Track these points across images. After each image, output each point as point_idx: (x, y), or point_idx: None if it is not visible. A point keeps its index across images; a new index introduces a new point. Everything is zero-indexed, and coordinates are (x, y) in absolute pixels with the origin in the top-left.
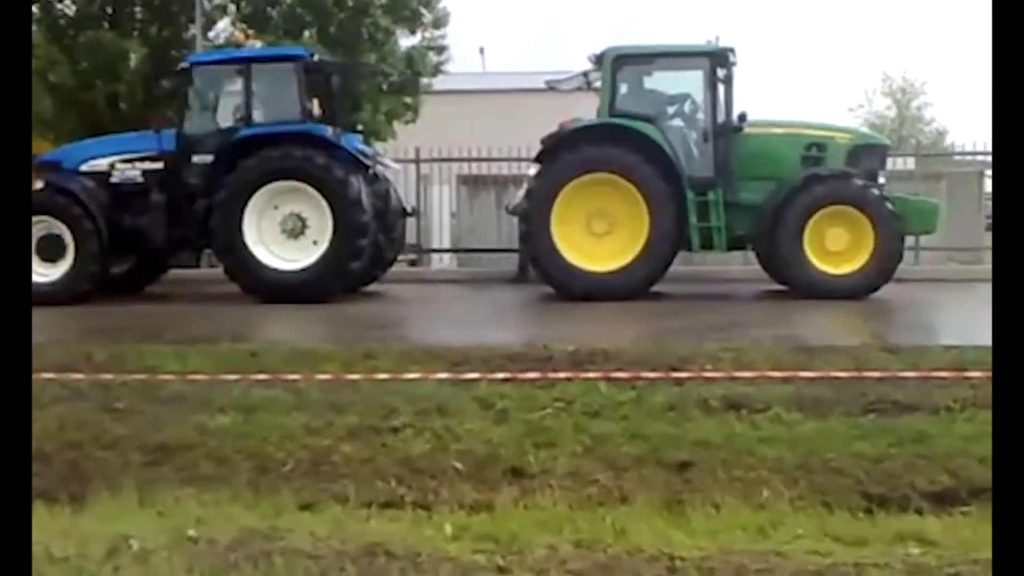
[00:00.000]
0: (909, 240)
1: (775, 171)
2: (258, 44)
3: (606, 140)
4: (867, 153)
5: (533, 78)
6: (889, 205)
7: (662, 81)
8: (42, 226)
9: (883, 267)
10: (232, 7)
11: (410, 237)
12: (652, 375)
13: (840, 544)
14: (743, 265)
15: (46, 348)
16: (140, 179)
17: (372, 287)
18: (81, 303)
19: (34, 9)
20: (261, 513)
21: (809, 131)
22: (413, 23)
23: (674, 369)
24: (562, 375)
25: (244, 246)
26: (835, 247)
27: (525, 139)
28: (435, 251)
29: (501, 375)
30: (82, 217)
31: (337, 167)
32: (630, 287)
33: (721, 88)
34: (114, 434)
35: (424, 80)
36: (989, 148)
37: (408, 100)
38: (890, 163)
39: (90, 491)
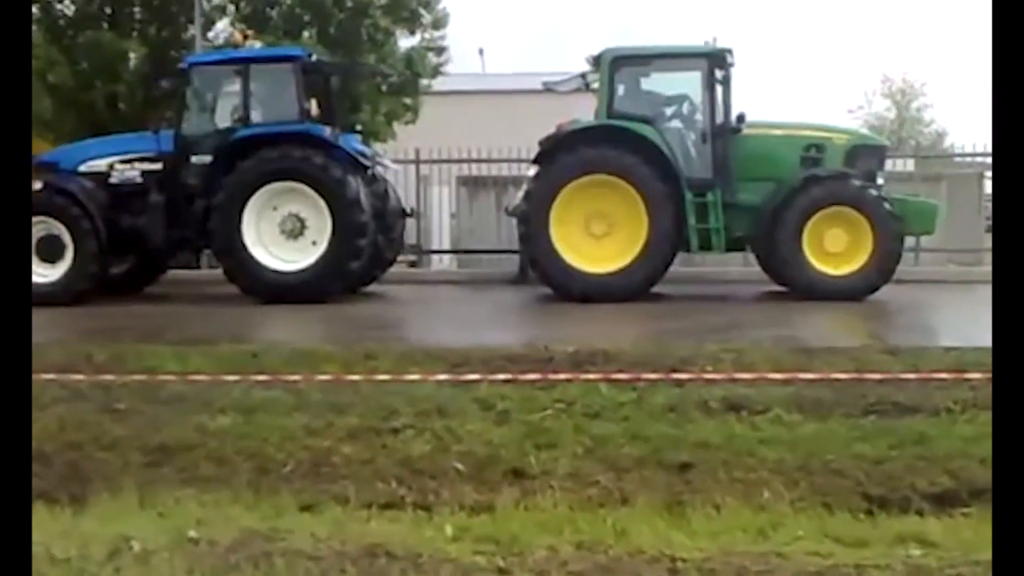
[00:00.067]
0: (909, 241)
1: (774, 172)
2: (257, 44)
3: (604, 142)
4: (866, 154)
5: (532, 79)
6: (887, 206)
7: (660, 82)
8: (41, 227)
9: (882, 268)
10: (231, 7)
11: (410, 238)
12: (652, 376)
13: (841, 545)
14: (742, 266)
15: (46, 349)
16: (139, 180)
17: (372, 288)
18: (80, 304)
19: (34, 9)
20: (262, 514)
21: (808, 132)
22: (412, 24)
23: (674, 370)
24: (562, 376)
25: (243, 247)
26: (834, 248)
27: (525, 140)
28: (435, 252)
29: (501, 376)
30: (81, 218)
31: (335, 167)
32: (629, 288)
33: (719, 89)
34: (114, 435)
35: (424, 81)
36: (989, 150)
37: (408, 101)
38: (890, 164)
39: (91, 492)
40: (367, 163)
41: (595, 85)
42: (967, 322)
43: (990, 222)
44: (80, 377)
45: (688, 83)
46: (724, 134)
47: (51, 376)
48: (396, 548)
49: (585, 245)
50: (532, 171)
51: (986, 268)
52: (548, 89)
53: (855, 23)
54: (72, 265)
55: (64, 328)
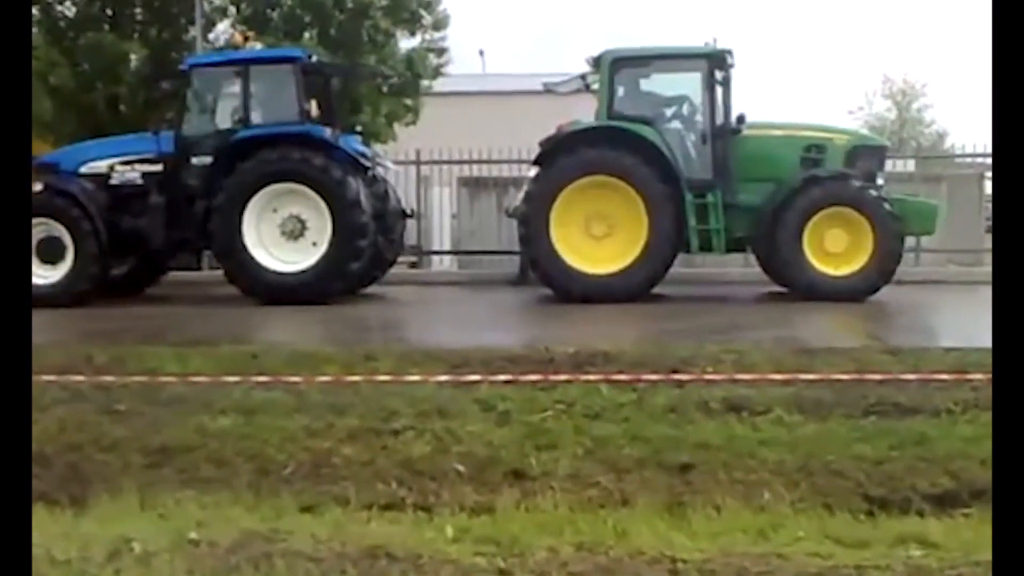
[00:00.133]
0: (909, 242)
1: (774, 173)
2: (257, 46)
3: (604, 143)
4: (866, 154)
5: (533, 80)
6: (887, 206)
7: (660, 83)
8: (41, 228)
9: (883, 268)
10: (232, 9)
11: (410, 239)
12: (653, 377)
13: (841, 546)
14: (743, 267)
15: (46, 350)
16: (139, 181)
17: (372, 289)
18: (81, 305)
19: (34, 11)
20: (262, 515)
21: (807, 132)
22: (413, 25)
23: (675, 371)
24: (563, 377)
25: (244, 248)
26: (834, 248)
27: (525, 141)
28: (435, 253)
29: (502, 377)
30: (81, 219)
31: (335, 168)
32: (630, 289)
33: (719, 90)
34: (115, 436)
35: (424, 82)
36: (989, 150)
37: (408, 102)
38: (890, 165)
39: (91, 493)
40: (367, 164)
41: (595, 86)
42: (967, 323)
43: (990, 223)
44: (80, 378)
45: (688, 84)
46: (724, 135)
47: (51, 377)
48: (396, 549)
49: (585, 246)
50: (532, 172)
51: (986, 269)
52: (548, 90)
53: (855, 23)
54: (72, 266)
55: (64, 329)
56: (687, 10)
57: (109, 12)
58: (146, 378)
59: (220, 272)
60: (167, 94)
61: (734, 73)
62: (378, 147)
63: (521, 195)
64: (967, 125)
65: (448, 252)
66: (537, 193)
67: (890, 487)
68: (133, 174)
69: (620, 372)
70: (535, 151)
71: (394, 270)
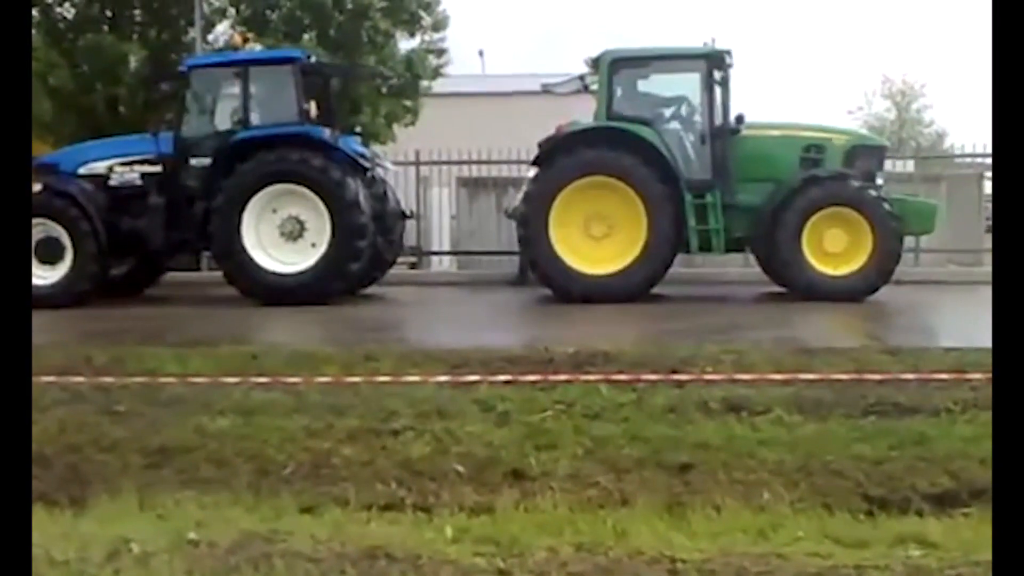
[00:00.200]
0: (909, 242)
1: (773, 173)
2: (257, 47)
3: (603, 143)
4: (865, 154)
5: (532, 81)
6: (887, 206)
7: (659, 84)
8: (40, 229)
9: (882, 268)
10: (231, 10)
11: (410, 240)
12: (652, 377)
13: (841, 546)
14: (742, 267)
15: (46, 351)
16: (138, 182)
17: (371, 289)
18: (80, 306)
19: (34, 12)
20: (261, 516)
21: (806, 133)
22: (412, 26)
23: (674, 371)
24: (562, 377)
25: (243, 249)
26: (834, 248)
27: (524, 142)
28: (435, 253)
29: (501, 377)
30: (80, 219)
31: (334, 169)
32: (629, 290)
33: (718, 90)
34: (114, 437)
35: (423, 83)
36: (989, 150)
37: (407, 103)
38: (890, 165)
39: (90, 494)
40: (366, 165)
41: (594, 87)
42: (967, 323)
43: (990, 222)
44: (80, 379)
45: (687, 84)
46: (723, 135)
47: (51, 378)
48: (396, 550)
49: (584, 247)
50: (531, 173)
51: (986, 268)
52: (547, 91)
53: (855, 23)
54: (71, 267)
55: (64, 330)
56: (686, 10)
57: (108, 13)
58: (145, 379)
59: (219, 273)
60: (166, 95)
61: (733, 73)
62: (377, 148)
63: (520, 196)
64: (966, 125)
65: (447, 253)
66: (536, 194)
67: (889, 487)
68: (132, 175)
69: (620, 372)
70: (534, 152)
71: (393, 271)
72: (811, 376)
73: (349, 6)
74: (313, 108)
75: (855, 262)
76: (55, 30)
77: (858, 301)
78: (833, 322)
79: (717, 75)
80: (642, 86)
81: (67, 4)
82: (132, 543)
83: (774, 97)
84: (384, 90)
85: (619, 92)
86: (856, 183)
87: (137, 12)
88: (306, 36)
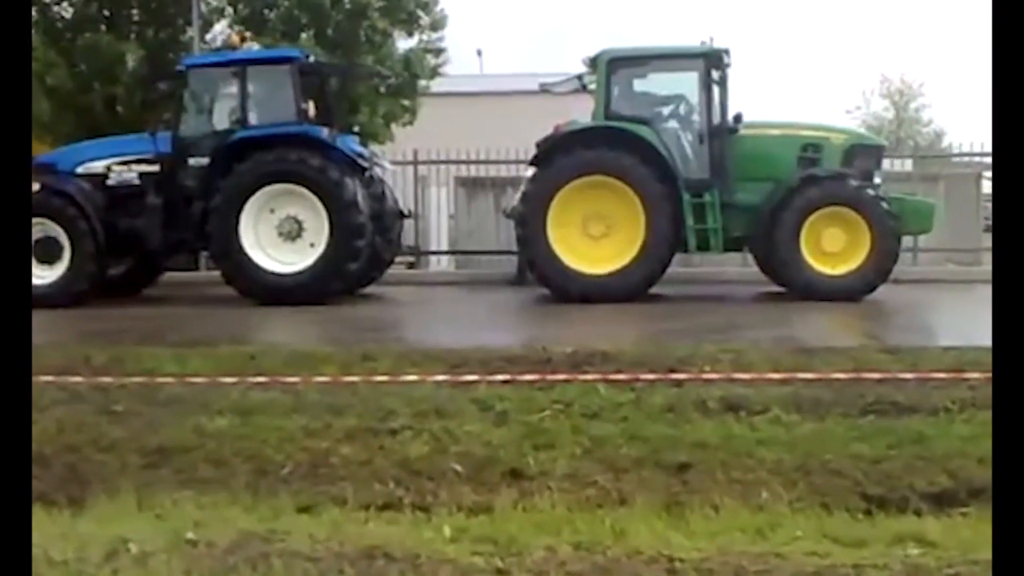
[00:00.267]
0: (907, 241)
1: (771, 172)
2: (255, 46)
3: (601, 143)
4: (863, 153)
5: (530, 80)
6: (885, 205)
7: (657, 83)
8: (38, 228)
9: (880, 267)
10: (229, 9)
11: (408, 239)
12: (651, 377)
13: (839, 545)
14: (740, 267)
15: (45, 351)
16: (136, 181)
17: (370, 289)
18: (78, 305)
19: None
20: (259, 515)
21: (805, 132)
22: (411, 25)
23: (672, 371)
24: (561, 377)
25: (241, 249)
26: (832, 248)
27: (522, 141)
28: (433, 253)
29: (500, 377)
30: (78, 219)
31: (332, 169)
32: (627, 289)
33: (716, 89)
34: (113, 437)
35: (422, 82)
36: (987, 149)
37: (406, 102)
38: (888, 164)
39: (89, 494)
40: (365, 164)
41: (592, 86)
42: (965, 322)
43: (988, 222)
44: (78, 379)
45: (685, 83)
46: (721, 134)
47: (49, 378)
48: (394, 549)
49: (583, 246)
50: (530, 172)
51: (984, 268)
52: (545, 90)
53: (853, 23)
54: (70, 267)
55: (62, 330)
56: (685, 10)
57: (106, 13)
58: (144, 379)
59: (217, 273)
60: (164, 95)
61: (731, 72)
62: (375, 147)
63: (518, 195)
64: (965, 124)
65: (446, 252)
66: (534, 193)
67: (888, 486)
68: (130, 174)
69: (618, 372)
70: (532, 151)
71: (392, 270)
72: (809, 375)
73: (347, 5)
74: (311, 108)
75: (853, 261)
76: (53, 29)
77: (856, 300)
78: (831, 321)
79: (715, 74)
80: (640, 85)
81: (65, 3)
82: (130, 543)
83: (772, 96)
84: (382, 90)
85: (617, 91)
86: (854, 182)
87: (135, 11)
88: (304, 35)
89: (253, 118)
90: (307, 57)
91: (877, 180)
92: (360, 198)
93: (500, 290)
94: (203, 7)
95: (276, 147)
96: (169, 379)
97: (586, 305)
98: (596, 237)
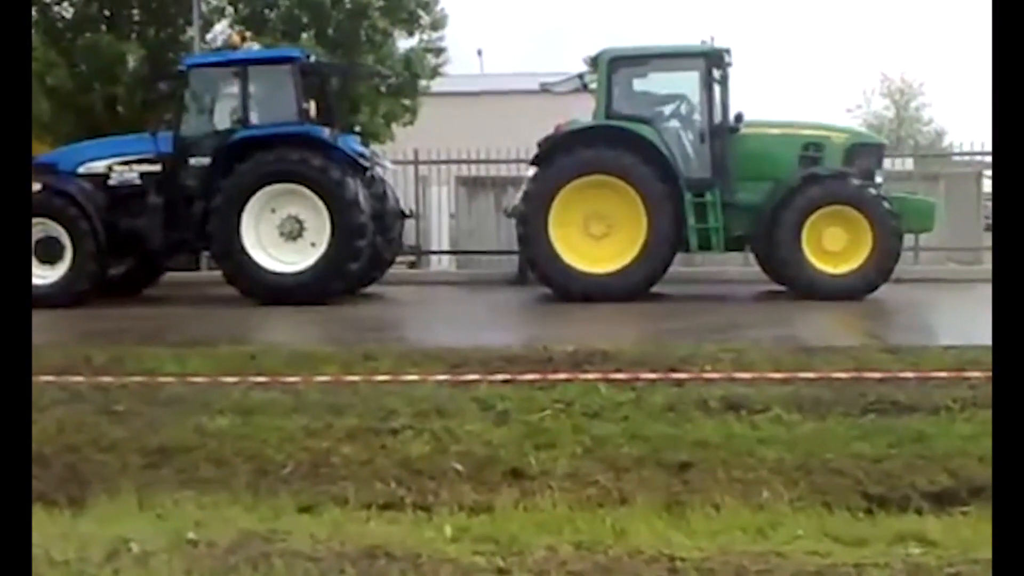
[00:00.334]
0: (908, 240)
1: (772, 171)
2: (255, 46)
3: (602, 142)
4: (864, 152)
5: (531, 80)
6: (886, 204)
7: (658, 82)
8: (39, 228)
9: (881, 266)
10: (230, 9)
11: (409, 239)
12: (651, 376)
13: (840, 544)
14: (742, 266)
15: (45, 351)
16: (137, 181)
17: (371, 289)
18: (79, 305)
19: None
20: (260, 515)
21: (806, 131)
22: (411, 25)
23: (673, 370)
24: (561, 376)
25: (242, 249)
26: (833, 247)
27: (523, 141)
28: (434, 253)
29: (500, 376)
30: (79, 219)
31: (334, 169)
32: (629, 288)
33: (717, 89)
34: (113, 437)
35: (422, 82)
36: (987, 148)
37: (406, 102)
38: (888, 164)
39: (89, 494)
40: (366, 164)
41: (593, 85)
42: (966, 321)
43: (989, 220)
44: (79, 379)
45: (686, 83)
46: (722, 133)
47: (50, 378)
48: (395, 549)
49: (584, 245)
50: (531, 172)
51: (985, 267)
52: (546, 90)
53: (854, 22)
54: (71, 267)
55: (63, 330)
56: (685, 10)
57: (106, 13)
58: (145, 378)
59: (218, 272)
60: (164, 95)
61: (732, 72)
62: (376, 147)
63: (519, 195)
64: (965, 123)
65: (446, 252)
66: (535, 193)
67: (889, 485)
68: (131, 174)
69: (619, 371)
70: (533, 151)
71: (392, 270)
72: (810, 375)
73: (347, 5)
74: (312, 108)
75: (855, 260)
76: (53, 29)
77: (857, 299)
78: (833, 320)
79: (716, 73)
80: (641, 85)
81: (65, 3)
82: (131, 543)
83: (773, 95)
84: (383, 89)
85: (618, 91)
86: (856, 181)
87: (135, 11)
88: (304, 35)
89: (254, 118)
90: (308, 57)
91: (878, 179)
92: (361, 198)
93: (501, 290)
94: (203, 7)
95: (277, 147)
96: (170, 379)
97: (587, 304)
98: (597, 236)
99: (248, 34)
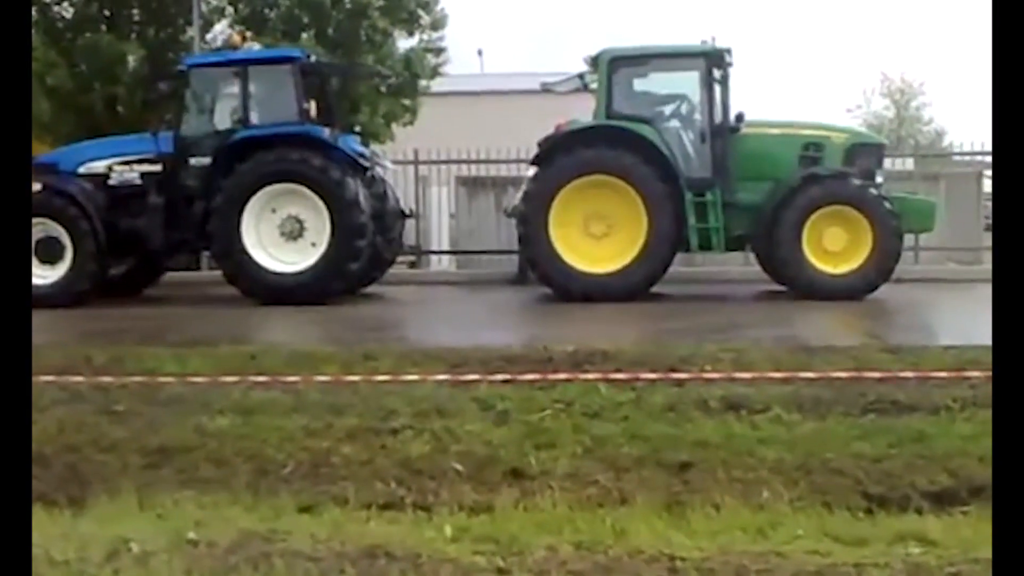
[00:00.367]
0: (908, 240)
1: (773, 171)
2: (255, 46)
3: (602, 142)
4: (864, 152)
5: (531, 80)
6: (887, 204)
7: (658, 82)
8: (40, 228)
9: (882, 266)
10: (230, 9)
11: (409, 239)
12: (651, 376)
13: (840, 544)
14: (742, 266)
15: (45, 351)
16: (138, 181)
17: (371, 289)
18: (80, 305)
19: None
20: (260, 515)
21: (806, 131)
22: (411, 25)
23: (673, 370)
24: (561, 376)
25: (243, 249)
26: (833, 247)
27: (523, 141)
28: (434, 253)
29: (500, 376)
30: (80, 219)
31: (334, 168)
32: (629, 288)
33: (718, 88)
34: (113, 437)
35: (422, 82)
36: (988, 148)
37: (406, 102)
38: (888, 163)
39: (89, 494)
40: (366, 164)
41: (593, 85)
42: (966, 321)
43: (989, 220)
44: (79, 379)
45: (686, 83)
46: (723, 133)
47: (50, 378)
48: (395, 549)
49: (584, 245)
50: (531, 172)
51: (985, 267)
52: (546, 90)
53: (854, 22)
54: (71, 267)
55: (63, 330)
56: (686, 10)
57: (106, 13)
58: (145, 378)
59: (219, 272)
60: (165, 95)
61: (732, 72)
62: (376, 147)
63: (520, 195)
64: (965, 123)
65: (447, 252)
66: (536, 193)
67: (889, 485)
68: (132, 174)
69: (619, 371)
70: (533, 151)
71: (393, 270)
72: (810, 374)
73: (347, 5)
74: (313, 108)
75: (855, 260)
76: (53, 29)
77: (858, 299)
78: (833, 320)
79: (717, 73)
80: (641, 85)
81: (65, 3)
82: (131, 543)
83: (773, 95)
84: (383, 89)
85: (618, 91)
86: (856, 181)
87: (135, 11)
88: (304, 35)
89: (255, 118)
90: (308, 57)
91: (879, 179)
92: (361, 198)
93: (501, 289)
94: (203, 7)
95: (277, 147)
96: (170, 379)
97: (587, 304)
98: (597, 236)
99: (248, 34)
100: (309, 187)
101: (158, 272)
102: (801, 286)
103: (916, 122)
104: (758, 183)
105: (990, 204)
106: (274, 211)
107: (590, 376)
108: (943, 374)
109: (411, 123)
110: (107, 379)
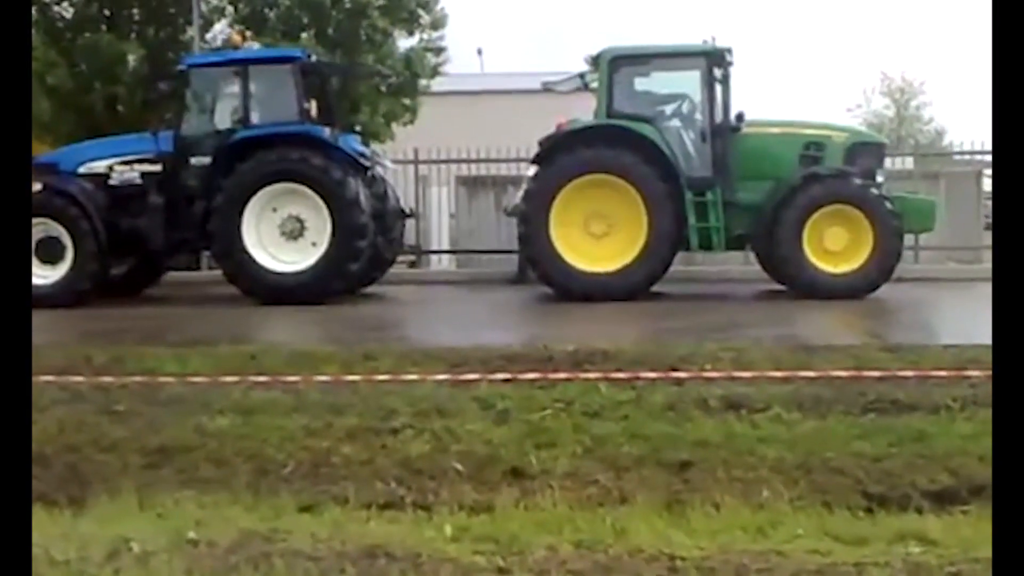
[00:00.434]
0: (908, 240)
1: (773, 170)
2: (255, 46)
3: (603, 141)
4: (865, 152)
5: (531, 79)
6: (888, 203)
7: (659, 81)
8: (40, 228)
9: (882, 266)
10: (230, 9)
11: (409, 238)
12: (652, 375)
13: (840, 543)
14: (742, 265)
15: (46, 351)
16: (138, 181)
17: (371, 288)
18: (80, 305)
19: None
20: (261, 515)
21: (807, 130)
22: (411, 24)
23: (674, 369)
24: (562, 375)
25: (243, 249)
26: (834, 246)
27: (524, 140)
28: (434, 252)
29: (501, 376)
30: (80, 219)
31: (335, 168)
32: (629, 288)
33: (718, 88)
34: (114, 437)
35: (422, 81)
36: (988, 147)
37: (406, 101)
38: (889, 163)
39: (90, 494)
40: (366, 164)
41: (594, 85)
42: (966, 320)
43: (989, 220)
44: (79, 379)
45: (687, 82)
46: (723, 133)
47: (50, 378)
48: (396, 548)
49: (585, 245)
50: (531, 171)
51: (985, 266)
52: (547, 89)
53: (854, 22)
54: (72, 267)
55: (63, 330)
56: (685, 10)
57: (106, 13)
58: (145, 378)
59: (219, 272)
60: (165, 94)
61: (733, 71)
62: (377, 147)
63: (520, 194)
64: (965, 122)
65: (447, 251)
66: (536, 192)
67: (889, 484)
68: (132, 174)
69: (619, 370)
70: (534, 150)
71: (393, 270)
72: (811, 373)
73: (347, 5)
74: (313, 107)
75: (856, 260)
76: (53, 29)
77: (858, 299)
78: (833, 320)
79: (717, 73)
80: (642, 84)
81: (65, 3)
82: (132, 543)
83: (774, 95)
84: (383, 89)
85: (619, 90)
86: (857, 181)
87: (135, 11)
88: (304, 35)
89: (255, 117)
90: (308, 56)
91: (879, 178)
92: (362, 197)
93: (501, 289)
94: (203, 7)
95: (278, 146)
96: (170, 379)
97: (587, 304)
98: (598, 235)
99: (248, 34)
100: (310, 187)
101: (159, 272)
102: (801, 285)
103: (916, 121)
104: (759, 182)
105: (990, 203)
106: (274, 211)
107: (590, 375)
108: (943, 373)
109: (411, 122)
110: (107, 379)
